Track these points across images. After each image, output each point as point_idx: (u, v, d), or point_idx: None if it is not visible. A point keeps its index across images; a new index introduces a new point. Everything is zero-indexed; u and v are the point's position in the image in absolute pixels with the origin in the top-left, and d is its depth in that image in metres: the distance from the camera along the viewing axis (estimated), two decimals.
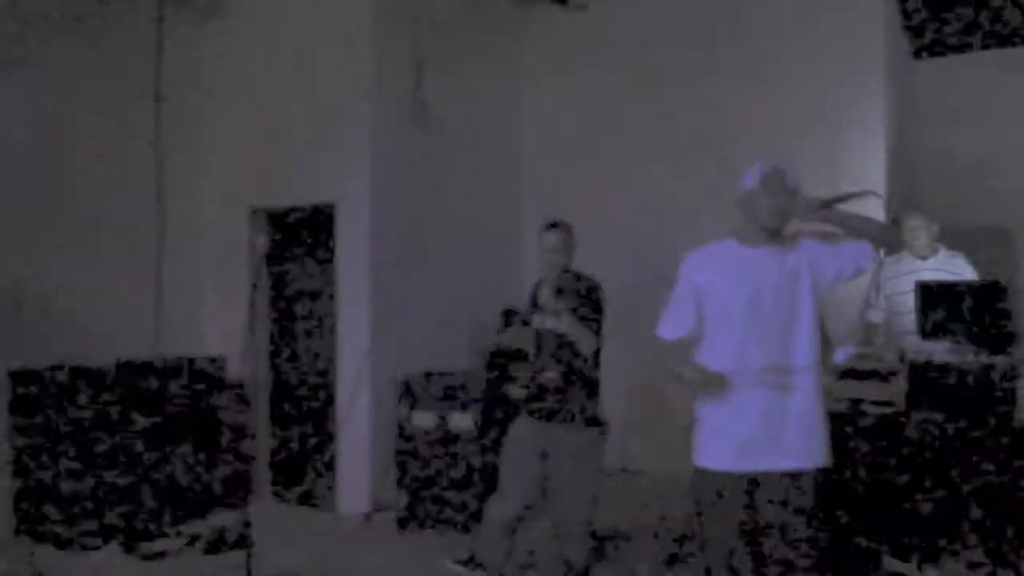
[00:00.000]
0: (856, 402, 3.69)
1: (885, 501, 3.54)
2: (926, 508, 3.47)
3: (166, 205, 5.44)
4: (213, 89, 5.70)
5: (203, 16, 5.66)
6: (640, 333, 3.52)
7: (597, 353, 3.53)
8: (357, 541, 4.63)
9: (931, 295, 3.82)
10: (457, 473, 4.68)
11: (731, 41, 5.54)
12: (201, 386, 4.98)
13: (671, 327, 2.77)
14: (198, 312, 5.64)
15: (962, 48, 6.32)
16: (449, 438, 4.71)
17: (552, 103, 6.19)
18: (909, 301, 3.97)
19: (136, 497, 4.56)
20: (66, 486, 4.36)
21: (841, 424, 3.46)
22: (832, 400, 3.43)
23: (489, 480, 4.25)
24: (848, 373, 3.78)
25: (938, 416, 3.51)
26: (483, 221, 5.81)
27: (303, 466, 5.56)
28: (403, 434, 4.84)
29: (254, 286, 5.23)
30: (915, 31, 6.07)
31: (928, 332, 3.80)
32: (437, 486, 4.72)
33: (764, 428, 2.57)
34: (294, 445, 5.60)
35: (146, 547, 4.37)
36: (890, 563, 3.51)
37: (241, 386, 5.22)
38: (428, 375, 4.91)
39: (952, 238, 4.44)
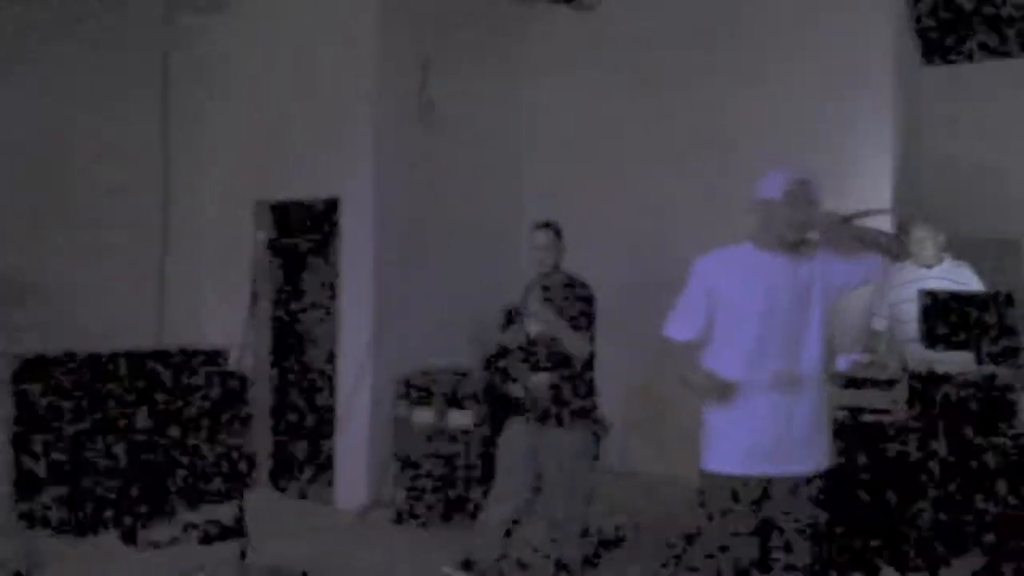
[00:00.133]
0: (857, 410, 3.67)
1: (884, 511, 3.53)
2: (925, 519, 3.46)
3: (170, 202, 5.44)
4: (217, 86, 5.69)
5: (207, 13, 5.64)
6: (640, 333, 3.52)
7: (591, 354, 3.52)
8: (353, 536, 4.64)
9: (934, 303, 3.81)
10: (455, 471, 4.68)
11: (732, 41, 5.50)
12: (201, 378, 4.99)
13: (681, 328, 2.73)
14: (200, 308, 5.64)
15: (972, 56, 6.29)
16: (448, 435, 4.72)
17: (553, 103, 6.16)
18: (912, 309, 3.96)
19: (134, 485, 4.58)
20: (65, 473, 4.37)
21: (841, 432, 3.45)
22: (833, 408, 3.41)
23: (487, 478, 4.25)
24: (850, 381, 3.76)
25: (938, 425, 3.49)
26: (483, 220, 5.79)
27: (302, 460, 5.56)
28: (402, 431, 4.84)
29: (254, 280, 5.22)
30: (926, 35, 6.04)
31: (931, 341, 3.78)
32: (435, 483, 4.72)
33: (773, 433, 2.57)
34: (294, 438, 5.60)
35: (143, 535, 4.40)
36: (889, 574, 3.50)
37: (242, 378, 5.22)
38: (428, 372, 4.91)
39: (958, 248, 4.42)
